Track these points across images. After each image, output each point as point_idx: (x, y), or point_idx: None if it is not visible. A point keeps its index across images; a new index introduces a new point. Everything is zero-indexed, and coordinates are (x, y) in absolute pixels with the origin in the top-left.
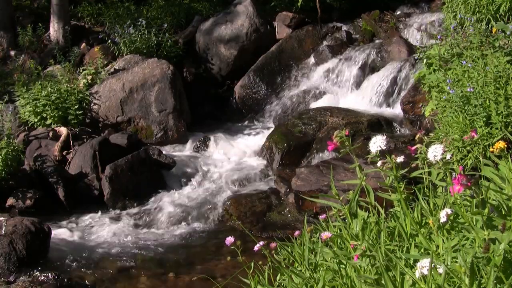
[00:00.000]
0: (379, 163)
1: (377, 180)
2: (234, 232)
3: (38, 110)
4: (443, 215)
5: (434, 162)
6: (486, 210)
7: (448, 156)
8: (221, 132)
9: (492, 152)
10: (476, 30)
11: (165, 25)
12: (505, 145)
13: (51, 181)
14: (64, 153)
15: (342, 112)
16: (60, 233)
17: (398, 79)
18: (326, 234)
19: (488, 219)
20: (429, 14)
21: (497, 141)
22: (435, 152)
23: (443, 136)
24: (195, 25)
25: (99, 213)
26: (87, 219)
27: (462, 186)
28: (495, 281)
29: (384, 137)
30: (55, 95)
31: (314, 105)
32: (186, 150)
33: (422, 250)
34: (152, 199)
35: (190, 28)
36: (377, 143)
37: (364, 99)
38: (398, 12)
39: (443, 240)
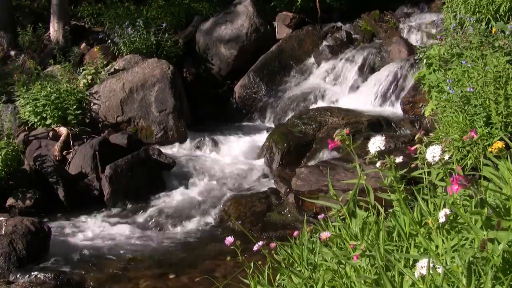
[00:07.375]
0: (378, 163)
1: (377, 180)
2: (233, 232)
3: (38, 110)
4: (442, 215)
5: (433, 163)
6: (485, 210)
7: (446, 157)
8: (221, 132)
9: (491, 152)
10: (476, 30)
11: (164, 24)
12: (503, 145)
13: (51, 181)
14: (64, 153)
15: (342, 112)
16: (60, 233)
17: (398, 79)
18: (325, 234)
19: (487, 219)
20: (429, 14)
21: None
22: (433, 153)
23: (443, 136)
24: (195, 25)
25: (99, 213)
26: (87, 219)
27: (460, 186)
28: (494, 281)
29: (383, 137)
30: (55, 95)
31: (314, 105)
32: (186, 150)
33: (421, 250)
34: (152, 199)
35: (190, 28)
36: (376, 143)
37: (364, 99)
38: (398, 12)
39: (442, 240)
